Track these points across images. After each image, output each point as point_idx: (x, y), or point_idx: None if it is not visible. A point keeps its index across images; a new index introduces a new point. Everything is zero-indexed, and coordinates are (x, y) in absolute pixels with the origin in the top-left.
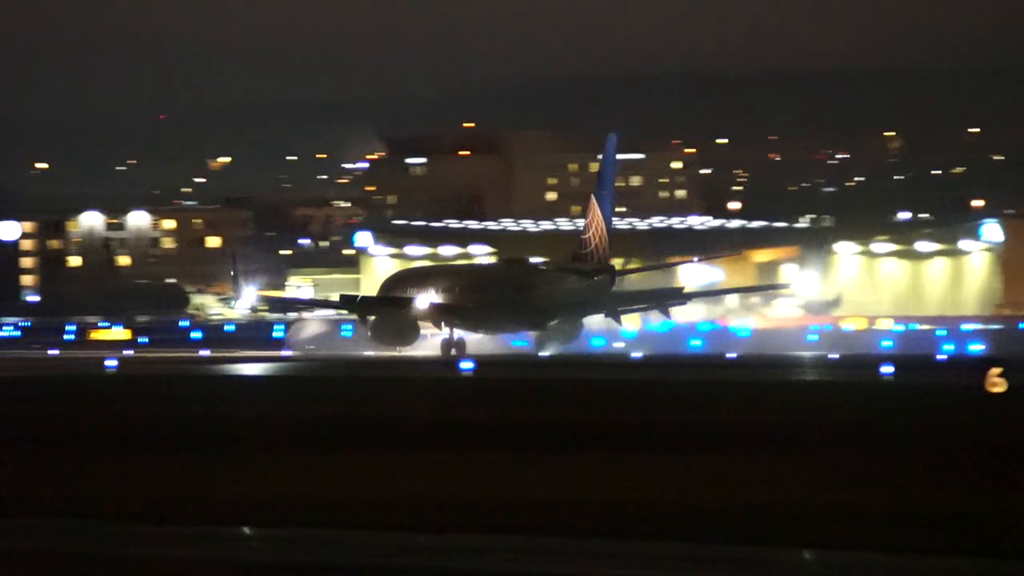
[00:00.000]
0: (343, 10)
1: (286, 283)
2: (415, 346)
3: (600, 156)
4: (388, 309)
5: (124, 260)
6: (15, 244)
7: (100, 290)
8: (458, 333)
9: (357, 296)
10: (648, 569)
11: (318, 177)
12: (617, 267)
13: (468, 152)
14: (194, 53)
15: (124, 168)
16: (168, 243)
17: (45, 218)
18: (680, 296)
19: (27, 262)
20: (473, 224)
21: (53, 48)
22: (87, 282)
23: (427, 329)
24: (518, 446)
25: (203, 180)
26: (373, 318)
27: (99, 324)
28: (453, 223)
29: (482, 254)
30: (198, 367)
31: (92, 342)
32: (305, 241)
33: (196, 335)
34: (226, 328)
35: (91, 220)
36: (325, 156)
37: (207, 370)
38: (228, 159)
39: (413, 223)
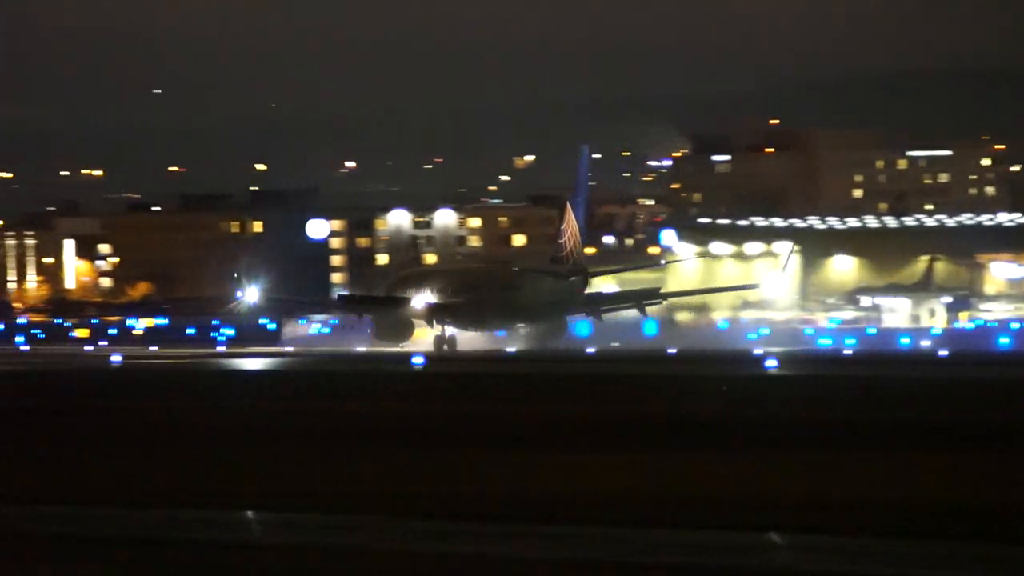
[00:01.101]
0: (646, 8)
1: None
2: (411, 342)
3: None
4: (386, 308)
5: (430, 258)
6: (325, 242)
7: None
8: (450, 330)
9: (357, 296)
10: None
11: (622, 175)
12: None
13: (772, 149)
14: (499, 52)
15: (430, 167)
16: (474, 241)
17: (354, 216)
18: (657, 296)
19: (336, 260)
20: (778, 221)
21: (361, 49)
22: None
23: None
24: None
25: (508, 178)
26: (372, 317)
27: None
28: (758, 220)
29: (787, 252)
30: (507, 364)
31: None
32: (609, 239)
33: (499, 332)
34: None
35: (398, 218)
36: (629, 154)
37: (515, 367)
38: (532, 157)
39: (718, 221)
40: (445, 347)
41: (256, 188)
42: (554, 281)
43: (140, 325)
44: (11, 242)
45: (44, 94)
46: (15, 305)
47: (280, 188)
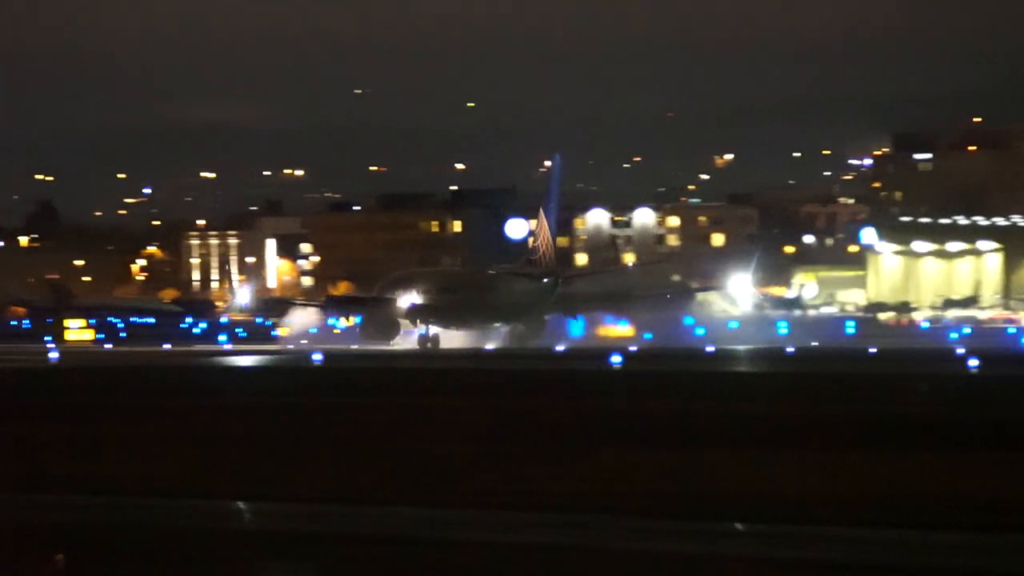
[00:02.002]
0: (845, 8)
1: (791, 281)
2: (397, 341)
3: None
4: (373, 308)
5: (629, 257)
6: (523, 242)
7: (603, 286)
8: (433, 329)
9: (345, 296)
10: None
11: (823, 174)
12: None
13: (975, 148)
14: (700, 51)
15: (629, 165)
16: (672, 240)
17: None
18: (630, 298)
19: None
20: (981, 220)
21: (559, 48)
22: (593, 279)
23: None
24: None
25: (707, 177)
26: (361, 317)
27: (604, 320)
28: (960, 219)
29: (989, 250)
30: (706, 364)
31: (598, 338)
32: (809, 239)
33: (700, 332)
34: (729, 325)
35: (597, 217)
36: (829, 153)
37: (717, 367)
38: (731, 156)
39: (919, 219)
40: (429, 345)
41: (455, 187)
42: (528, 283)
43: (340, 324)
44: (214, 242)
45: (247, 95)
46: (218, 304)
47: (479, 187)
